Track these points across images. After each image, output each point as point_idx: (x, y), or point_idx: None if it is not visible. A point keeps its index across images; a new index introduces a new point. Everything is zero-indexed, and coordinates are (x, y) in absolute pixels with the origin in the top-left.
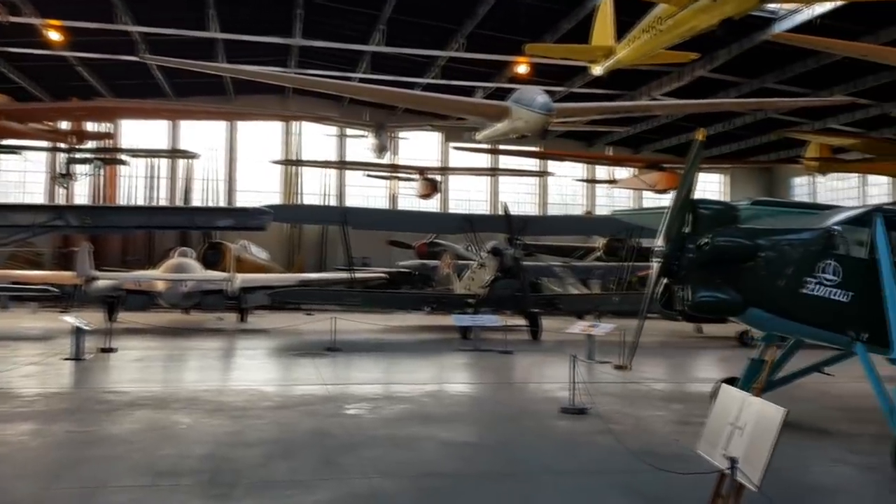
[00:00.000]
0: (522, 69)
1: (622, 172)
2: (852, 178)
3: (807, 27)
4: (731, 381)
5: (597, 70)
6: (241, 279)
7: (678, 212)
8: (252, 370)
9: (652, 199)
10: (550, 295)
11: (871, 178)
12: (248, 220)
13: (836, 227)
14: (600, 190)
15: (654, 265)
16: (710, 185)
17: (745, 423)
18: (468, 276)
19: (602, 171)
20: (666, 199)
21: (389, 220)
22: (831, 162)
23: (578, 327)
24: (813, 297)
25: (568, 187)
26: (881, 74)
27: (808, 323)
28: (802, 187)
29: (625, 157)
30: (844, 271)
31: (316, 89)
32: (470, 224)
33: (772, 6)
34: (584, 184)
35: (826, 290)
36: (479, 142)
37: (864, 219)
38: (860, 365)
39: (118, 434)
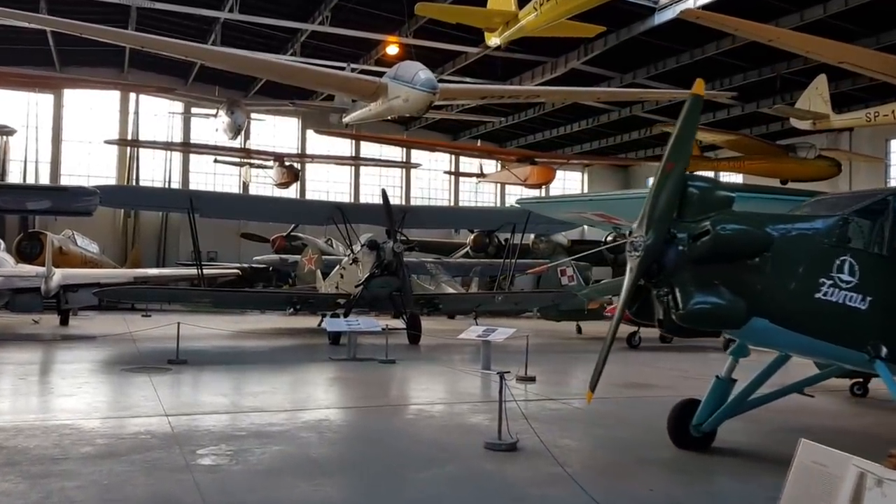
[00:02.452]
0: (392, 50)
1: (489, 166)
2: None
3: None
4: (690, 403)
5: (493, 40)
6: (62, 275)
7: (670, 190)
8: (69, 394)
9: (517, 195)
10: (431, 294)
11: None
12: (70, 203)
13: (852, 216)
14: (465, 184)
15: (632, 261)
16: (571, 183)
17: None
18: (336, 273)
19: (467, 165)
20: (536, 194)
21: (246, 207)
22: (699, 160)
23: (473, 333)
24: (828, 303)
25: (432, 180)
26: (750, 73)
27: (822, 336)
28: None
29: (497, 150)
30: (862, 270)
31: (161, 51)
32: (341, 214)
33: None
34: (450, 177)
35: (842, 294)
36: (348, 125)
37: (879, 207)
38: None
39: None
